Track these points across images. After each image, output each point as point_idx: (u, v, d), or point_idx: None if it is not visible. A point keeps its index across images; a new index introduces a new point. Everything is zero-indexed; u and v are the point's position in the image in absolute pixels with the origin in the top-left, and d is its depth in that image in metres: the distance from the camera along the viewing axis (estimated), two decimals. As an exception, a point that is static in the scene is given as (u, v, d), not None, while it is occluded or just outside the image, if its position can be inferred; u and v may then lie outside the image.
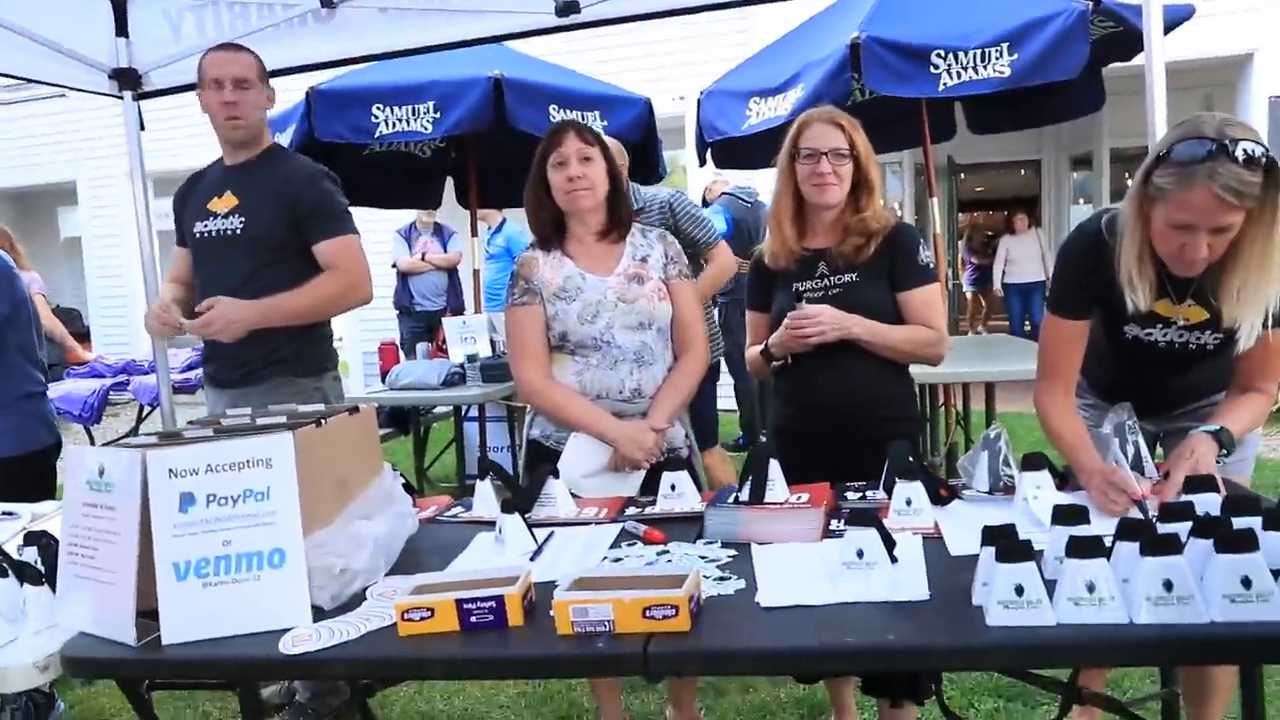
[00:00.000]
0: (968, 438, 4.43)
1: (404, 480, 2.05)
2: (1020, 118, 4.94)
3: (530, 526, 1.80)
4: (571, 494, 2.21)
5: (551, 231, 2.36)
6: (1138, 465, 1.78)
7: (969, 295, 13.44)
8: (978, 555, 1.37)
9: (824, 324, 2.17)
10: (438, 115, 4.20)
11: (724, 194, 6.56)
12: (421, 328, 7.22)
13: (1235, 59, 7.60)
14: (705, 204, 6.78)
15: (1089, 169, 10.16)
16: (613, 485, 2.28)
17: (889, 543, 1.47)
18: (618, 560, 1.66)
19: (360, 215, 2.83)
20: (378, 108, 4.19)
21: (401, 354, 5.11)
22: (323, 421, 1.68)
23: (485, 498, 2.07)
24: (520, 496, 2.00)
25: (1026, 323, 10.20)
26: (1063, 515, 1.40)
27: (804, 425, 2.33)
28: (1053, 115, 4.78)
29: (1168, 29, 3.92)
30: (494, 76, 4.16)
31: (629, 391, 2.29)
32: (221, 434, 1.62)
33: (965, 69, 3.35)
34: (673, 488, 1.97)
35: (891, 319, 2.28)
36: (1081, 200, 10.67)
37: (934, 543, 1.62)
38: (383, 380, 4.82)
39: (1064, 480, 1.82)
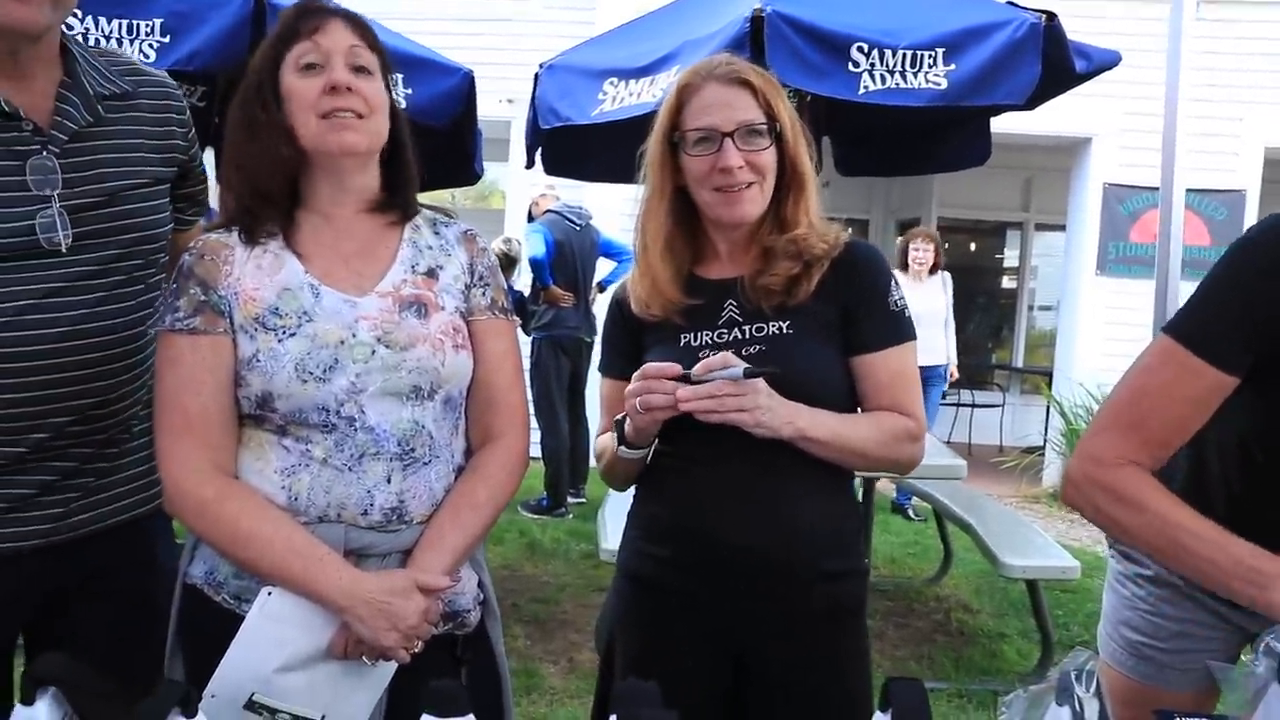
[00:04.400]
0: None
1: None
2: (898, 162, 4.30)
3: None
4: (254, 707, 1.16)
5: (280, 195, 1.28)
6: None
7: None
8: None
9: (747, 406, 1.25)
10: (165, 40, 2.93)
11: (549, 211, 5.59)
12: None
13: (1071, 142, 7.53)
14: (530, 219, 5.79)
15: (915, 235, 10.01)
16: (339, 688, 1.21)
17: None
18: None
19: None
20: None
21: None
22: None
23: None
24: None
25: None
26: None
27: (682, 575, 1.38)
28: (937, 163, 4.16)
29: (1095, 73, 3.42)
30: (254, -9, 2.96)
31: (382, 513, 1.23)
32: None
33: (892, 73, 2.56)
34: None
35: (839, 396, 1.38)
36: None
37: None
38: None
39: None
